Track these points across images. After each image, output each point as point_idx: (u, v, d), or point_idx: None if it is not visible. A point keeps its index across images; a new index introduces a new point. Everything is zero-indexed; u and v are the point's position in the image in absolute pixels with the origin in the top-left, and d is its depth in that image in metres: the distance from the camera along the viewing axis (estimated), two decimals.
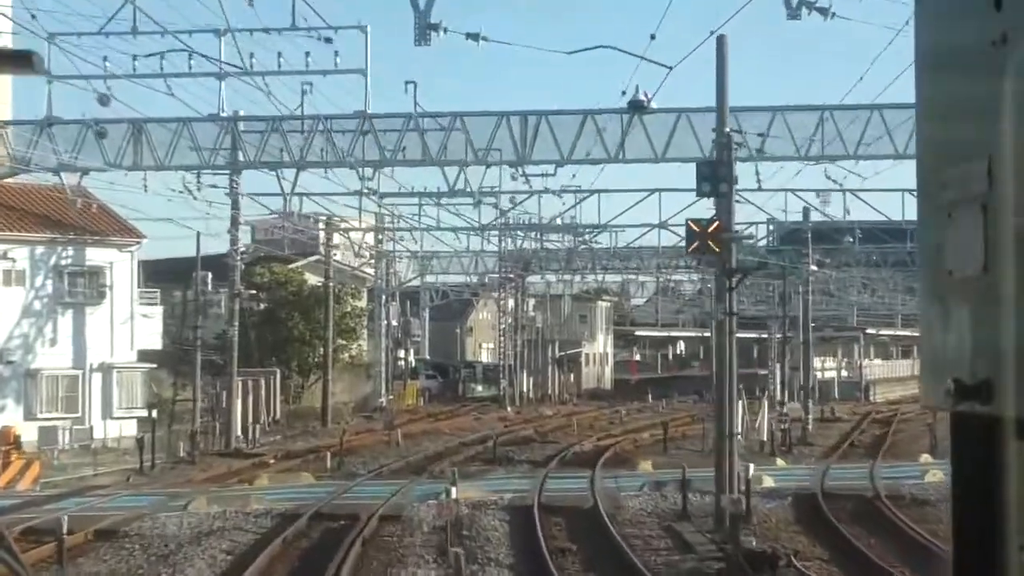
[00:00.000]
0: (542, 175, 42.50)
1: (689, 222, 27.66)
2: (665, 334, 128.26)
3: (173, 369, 69.35)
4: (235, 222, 52.27)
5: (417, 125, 40.43)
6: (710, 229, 26.65)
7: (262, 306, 78.35)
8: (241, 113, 43.15)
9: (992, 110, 2.47)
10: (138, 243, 54.44)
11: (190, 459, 47.36)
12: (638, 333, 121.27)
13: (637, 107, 36.94)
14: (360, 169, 42.37)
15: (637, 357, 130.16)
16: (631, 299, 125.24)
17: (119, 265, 53.71)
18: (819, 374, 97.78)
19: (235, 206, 51.02)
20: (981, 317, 2.55)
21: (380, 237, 76.48)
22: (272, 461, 47.86)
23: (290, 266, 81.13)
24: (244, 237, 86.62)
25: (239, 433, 55.11)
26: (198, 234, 54.77)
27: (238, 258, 53.16)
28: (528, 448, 54.07)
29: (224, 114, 42.61)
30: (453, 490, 27.73)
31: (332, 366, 75.66)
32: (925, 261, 2.82)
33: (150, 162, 42.35)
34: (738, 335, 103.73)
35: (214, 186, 45.16)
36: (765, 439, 53.12)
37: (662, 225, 53.47)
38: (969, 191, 2.57)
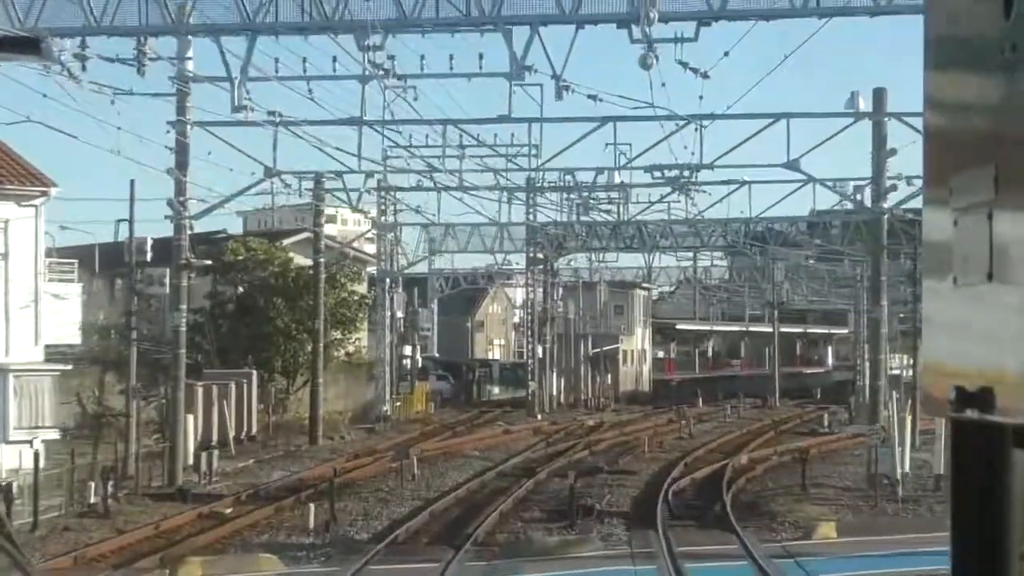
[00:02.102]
0: (675, 40, 26.31)
1: None
2: (708, 327, 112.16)
3: (117, 371, 54.62)
4: (181, 149, 36.27)
5: None
6: None
7: (239, 290, 62.46)
8: None
9: (1000, 119, 2.49)
10: (45, 194, 38.37)
11: (103, 509, 31.24)
12: (679, 327, 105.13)
13: None
14: (366, 48, 25.86)
15: (673, 354, 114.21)
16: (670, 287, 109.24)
17: (18, 225, 37.75)
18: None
19: (180, 107, 35.08)
20: (984, 326, 2.56)
21: (383, 197, 60.13)
22: (228, 510, 31.92)
23: (275, 243, 65.15)
24: (232, 225, 68.56)
25: (192, 461, 39.30)
26: (132, 182, 38.88)
27: (185, 212, 37.02)
28: (597, 482, 38.09)
29: None
30: None
31: (324, 366, 59.99)
32: (930, 268, 2.87)
33: (2, 22, 25.75)
34: (761, 329, 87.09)
35: (114, 60, 28.27)
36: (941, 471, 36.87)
37: (791, 165, 37.44)
38: (976, 199, 2.58)
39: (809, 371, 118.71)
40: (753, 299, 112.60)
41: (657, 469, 42.87)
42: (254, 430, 53.90)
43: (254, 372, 55.64)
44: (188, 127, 36.91)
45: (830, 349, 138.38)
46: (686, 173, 37.66)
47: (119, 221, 39.42)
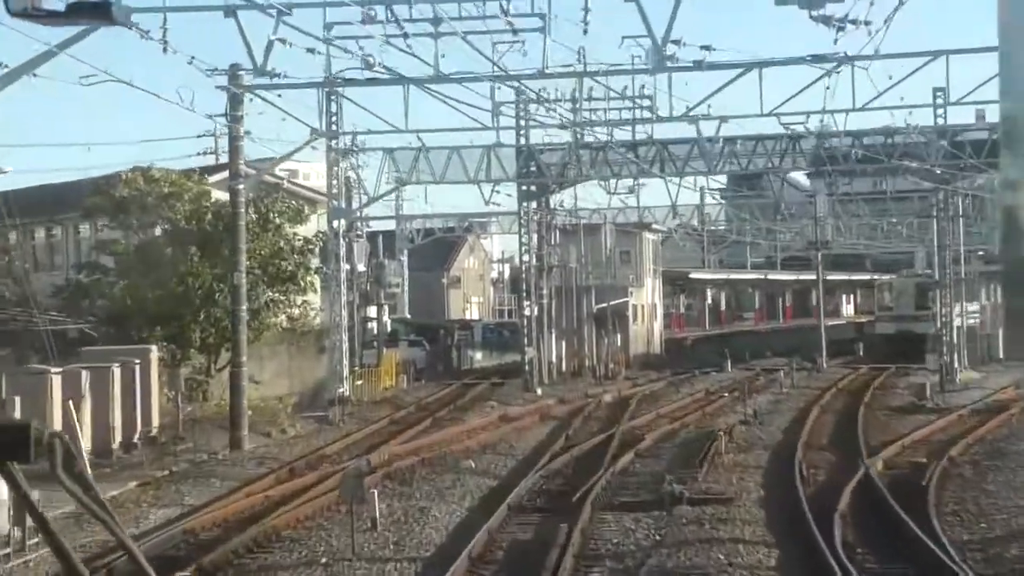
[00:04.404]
0: None
1: None
2: (724, 276, 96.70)
3: None
4: None
5: None
6: None
7: (139, 237, 46.50)
8: None
9: None
10: None
11: None
12: (693, 276, 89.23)
13: None
14: None
15: (683, 308, 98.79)
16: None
17: None
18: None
19: None
20: None
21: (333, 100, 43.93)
22: None
23: (188, 174, 48.86)
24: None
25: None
26: None
27: None
28: (684, 528, 22.40)
29: None
30: None
31: (258, 336, 44.66)
32: (1009, 212, 2.91)
33: None
34: (779, 276, 71.90)
35: None
36: None
37: None
38: None
39: (830, 323, 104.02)
40: (767, 243, 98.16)
41: (761, 490, 27.15)
42: (154, 429, 38.12)
43: (153, 348, 39.88)
44: None
45: (844, 298, 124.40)
46: None
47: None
